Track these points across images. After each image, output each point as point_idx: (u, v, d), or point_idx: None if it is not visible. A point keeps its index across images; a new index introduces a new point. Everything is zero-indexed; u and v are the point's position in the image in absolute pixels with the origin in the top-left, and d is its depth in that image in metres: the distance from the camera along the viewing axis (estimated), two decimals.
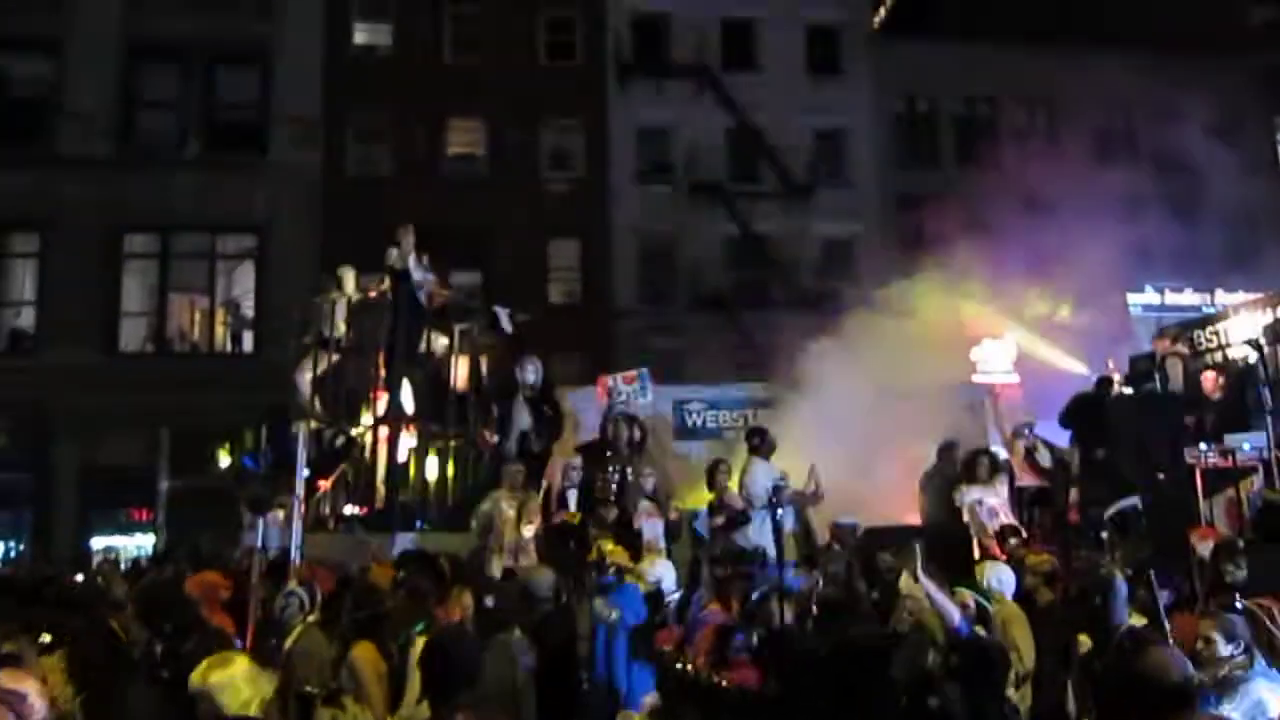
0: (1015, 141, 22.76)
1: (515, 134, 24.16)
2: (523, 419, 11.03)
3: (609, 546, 7.28)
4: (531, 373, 11.31)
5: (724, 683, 5.23)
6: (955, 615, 5.73)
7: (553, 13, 25.15)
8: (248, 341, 22.96)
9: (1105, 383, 11.74)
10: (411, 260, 12.07)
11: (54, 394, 20.04)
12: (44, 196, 21.61)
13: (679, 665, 5.53)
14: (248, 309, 23.10)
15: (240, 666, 4.06)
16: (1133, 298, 16.88)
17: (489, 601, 6.74)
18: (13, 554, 19.76)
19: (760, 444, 10.76)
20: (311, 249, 22.52)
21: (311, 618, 6.21)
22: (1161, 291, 17.15)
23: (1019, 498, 11.08)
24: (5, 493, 20.52)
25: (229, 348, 23.10)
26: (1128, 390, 11.73)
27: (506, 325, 12.77)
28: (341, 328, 12.03)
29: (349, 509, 11.49)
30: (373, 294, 12.28)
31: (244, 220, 22.82)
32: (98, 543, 19.86)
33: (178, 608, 6.10)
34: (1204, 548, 8.34)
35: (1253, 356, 11.85)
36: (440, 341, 12.26)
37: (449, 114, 24.30)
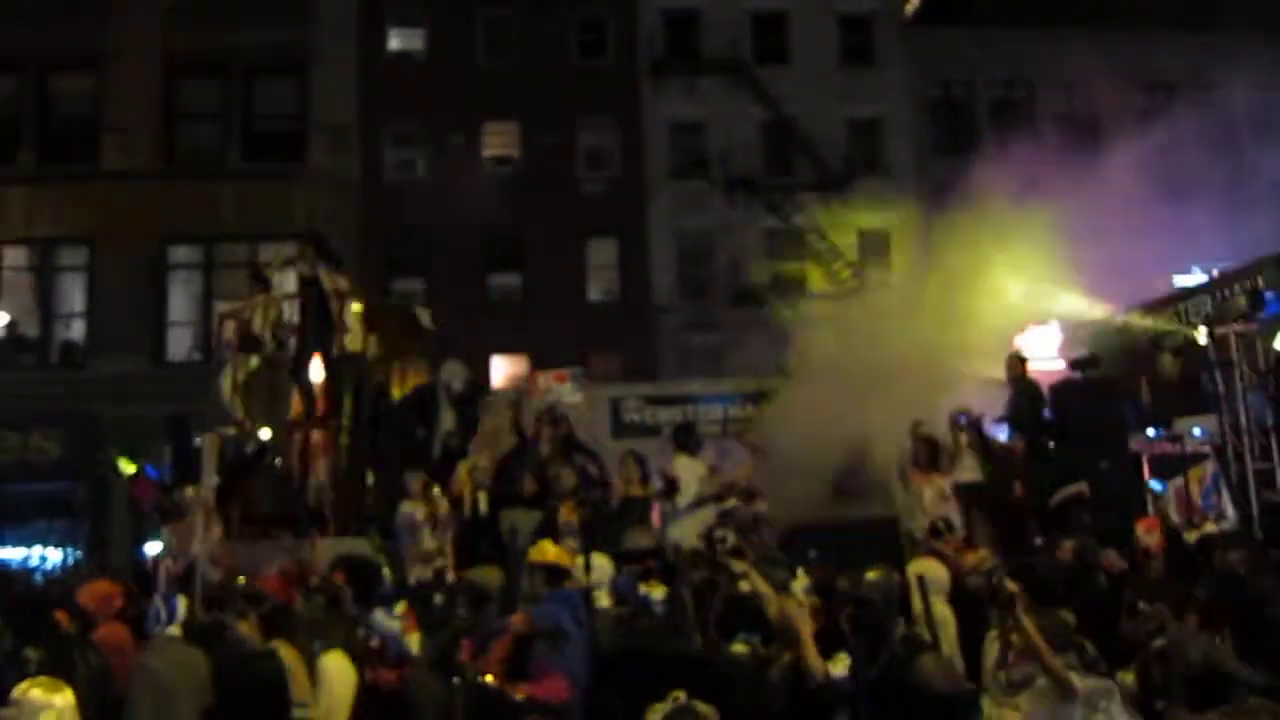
0: (1054, 125, 22.46)
1: (550, 135, 24.24)
2: (446, 421, 11.00)
3: (553, 549, 6.93)
4: (457, 379, 11.30)
5: (518, 695, 5.06)
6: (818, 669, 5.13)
7: (584, 12, 25.19)
8: (291, 348, 23.15)
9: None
10: (320, 267, 11.86)
11: (104, 404, 20.40)
12: (91, 210, 22.04)
13: (473, 676, 5.34)
14: (289, 315, 23.30)
15: (64, 699, 4.07)
16: (1179, 280, 16.60)
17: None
18: (69, 562, 20.13)
19: (687, 441, 10.76)
20: (351, 255, 22.74)
21: (172, 630, 6.15)
22: (1209, 273, 16.84)
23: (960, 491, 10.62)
24: (60, 502, 20.91)
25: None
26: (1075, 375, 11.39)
27: (426, 324, 12.66)
28: (263, 328, 11.80)
29: (263, 515, 11.08)
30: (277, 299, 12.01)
31: (285, 228, 23.05)
32: (151, 549, 20.14)
33: (41, 618, 5.83)
34: (1149, 539, 8.06)
35: (1203, 337, 11.55)
36: (354, 345, 11.89)
37: (484, 117, 24.43)
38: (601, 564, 6.98)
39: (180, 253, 23.37)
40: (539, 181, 23.86)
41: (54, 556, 19.94)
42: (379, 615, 5.91)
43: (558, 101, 24.00)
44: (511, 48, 24.65)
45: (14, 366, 21.92)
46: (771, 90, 24.81)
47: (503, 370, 22.89)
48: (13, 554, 19.32)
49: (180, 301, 23.02)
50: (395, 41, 24.98)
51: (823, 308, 20.04)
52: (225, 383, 11.57)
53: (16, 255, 22.95)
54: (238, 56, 23.18)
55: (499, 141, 24.65)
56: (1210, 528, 9.57)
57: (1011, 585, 5.99)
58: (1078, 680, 4.59)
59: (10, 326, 22.42)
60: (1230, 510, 10.14)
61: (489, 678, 5.31)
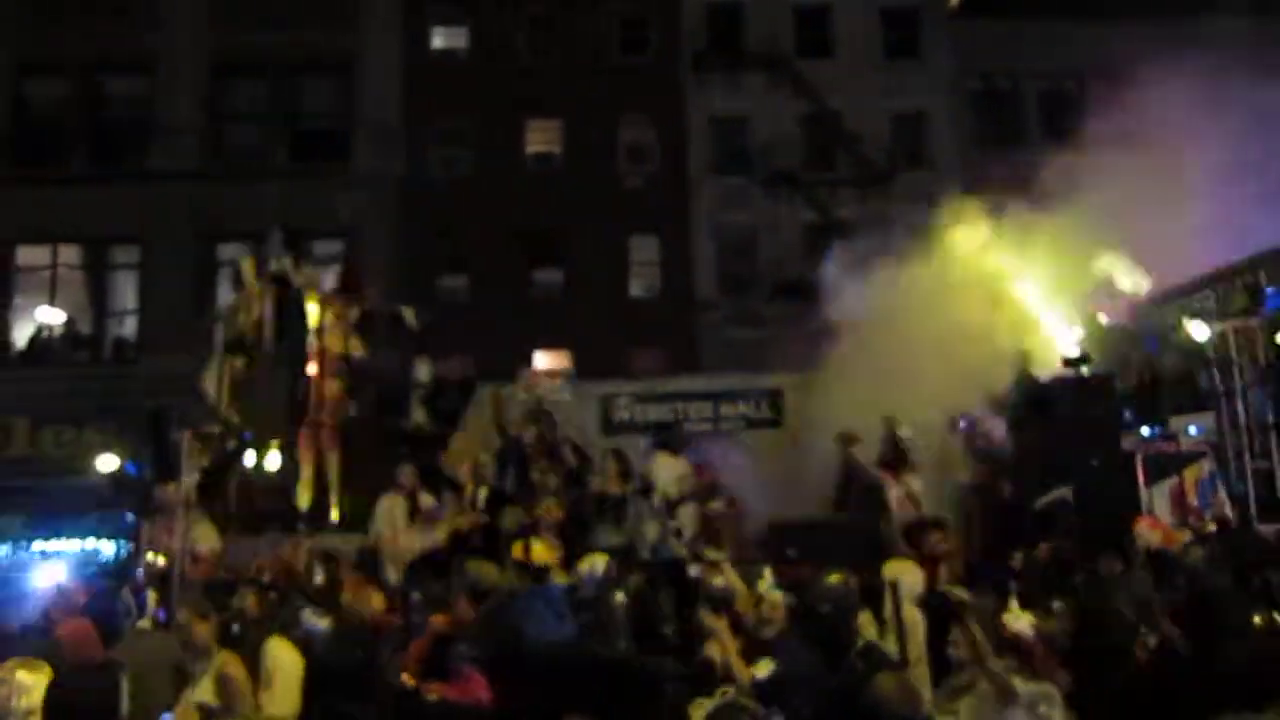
0: (1101, 118, 22.08)
1: (592, 131, 24.30)
2: (416, 415, 11.03)
3: (537, 547, 6.97)
4: (423, 372, 11.28)
5: (432, 695, 5.01)
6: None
7: (625, 8, 25.20)
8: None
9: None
10: (288, 263, 11.81)
11: (156, 399, 20.71)
12: (141, 210, 22.43)
13: (390, 678, 5.31)
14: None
15: (45, 678, 4.15)
16: None
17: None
18: (121, 555, 20.49)
19: (668, 439, 10.80)
20: (396, 252, 23.00)
21: (143, 623, 6.23)
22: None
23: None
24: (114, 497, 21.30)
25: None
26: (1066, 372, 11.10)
27: (412, 322, 12.68)
28: (246, 325, 11.87)
29: (249, 512, 11.21)
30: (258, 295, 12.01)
31: (330, 226, 23.36)
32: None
33: None
34: (1151, 537, 7.87)
35: (1202, 334, 11.30)
36: (332, 343, 11.99)
37: (526, 114, 24.52)
38: (601, 563, 6.93)
39: (228, 250, 23.66)
40: (581, 178, 23.92)
41: (107, 550, 20.31)
42: (307, 613, 5.93)
43: (599, 98, 24.05)
44: (553, 45, 24.73)
45: (69, 363, 22.38)
46: (813, 84, 24.68)
47: (544, 367, 23.02)
48: (68, 546, 19.70)
49: (229, 299, 23.33)
50: (438, 40, 25.14)
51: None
52: (210, 380, 11.64)
53: (70, 253, 23.42)
54: (283, 57, 23.47)
55: (541, 138, 24.73)
56: (1210, 528, 9.38)
57: (960, 593, 5.96)
58: (1019, 684, 4.53)
59: (67, 324, 22.92)
60: (1228, 511, 9.93)
61: (406, 678, 5.27)
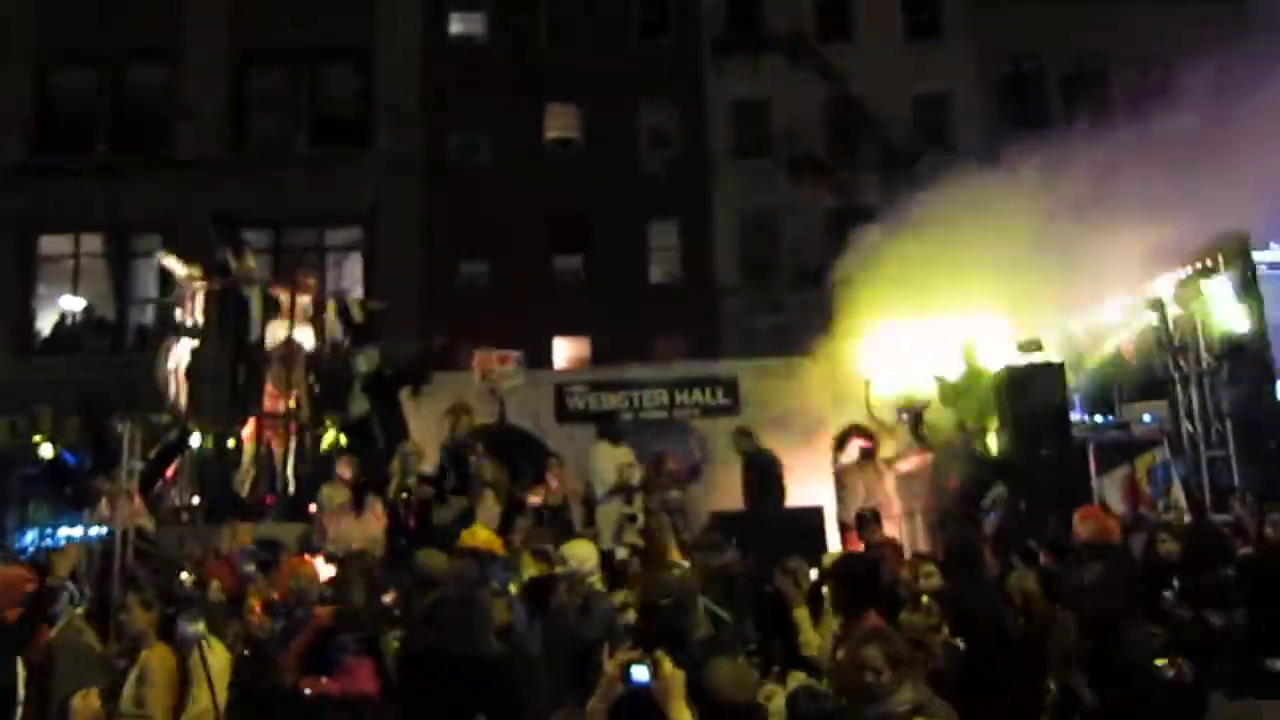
0: (1128, 99, 21.84)
1: (612, 116, 24.19)
2: (358, 405, 10.96)
3: (480, 533, 6.88)
4: (364, 362, 11.20)
5: (309, 689, 4.93)
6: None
7: None
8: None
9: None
10: (229, 252, 11.75)
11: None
12: (164, 198, 22.50)
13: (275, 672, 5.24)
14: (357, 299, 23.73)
15: None
16: (1259, 256, 16.05)
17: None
18: None
19: (609, 429, 10.76)
20: (416, 238, 23.03)
21: (79, 610, 6.22)
22: None
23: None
24: None
25: (340, 335, 23.71)
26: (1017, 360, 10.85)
27: (356, 315, 12.61)
28: (191, 315, 11.81)
29: (191, 501, 11.21)
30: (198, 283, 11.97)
31: (351, 213, 23.40)
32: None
33: None
34: (1082, 528, 7.41)
35: (1154, 319, 11.06)
36: (276, 333, 11.92)
37: (546, 99, 24.42)
38: (585, 553, 6.81)
39: (250, 237, 23.70)
40: (601, 163, 23.83)
41: None
42: (183, 621, 5.72)
43: (619, 82, 23.93)
44: (572, 29, 24.62)
45: (91, 350, 22.54)
46: (835, 67, 24.46)
47: (565, 352, 23.00)
48: (93, 533, 19.85)
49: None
50: (457, 25, 25.07)
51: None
52: (161, 369, 11.62)
53: (93, 242, 23.57)
54: (303, 44, 23.51)
55: (561, 123, 24.63)
56: (1165, 518, 9.17)
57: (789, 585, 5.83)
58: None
59: (88, 311, 23.07)
60: (1183, 500, 9.73)
61: (287, 672, 5.21)
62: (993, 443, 10.73)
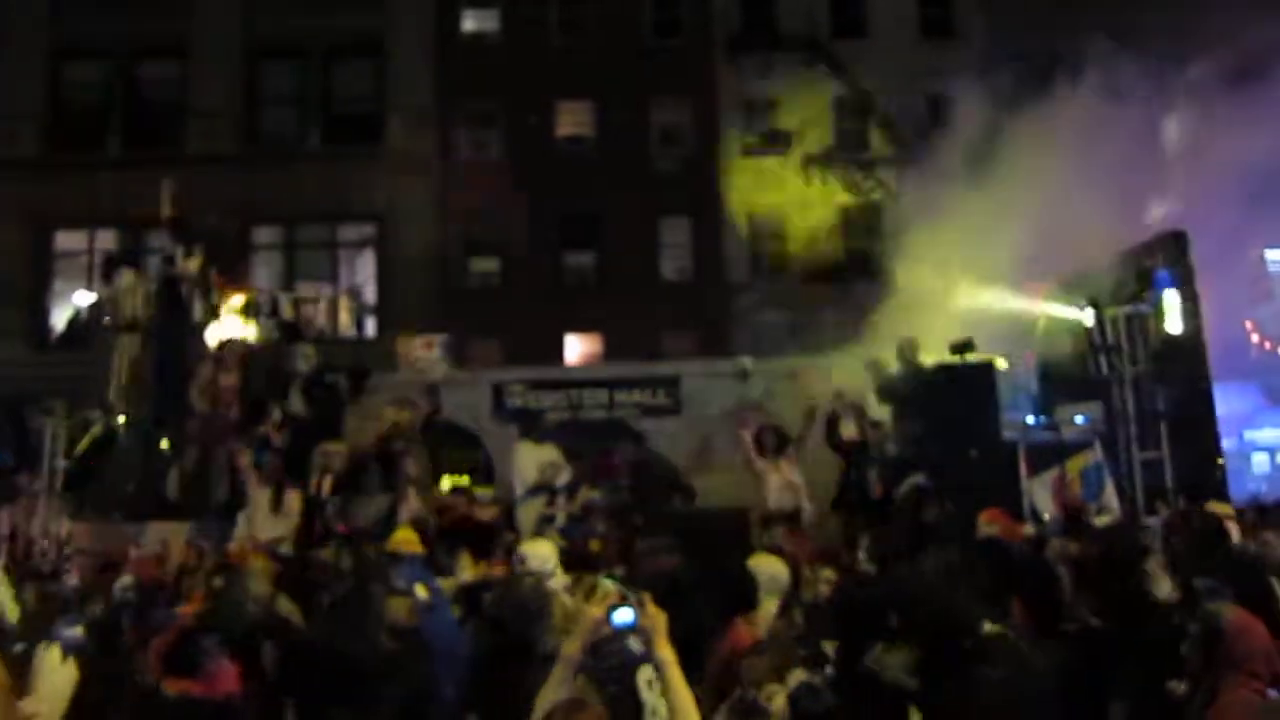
0: (1139, 95, 21.64)
1: (624, 113, 24.18)
2: (294, 403, 10.84)
3: (399, 533, 6.81)
4: (301, 360, 11.13)
5: (171, 690, 4.82)
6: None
7: None
8: (370, 327, 23.69)
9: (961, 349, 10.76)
10: (178, 251, 11.63)
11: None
12: (177, 193, 22.53)
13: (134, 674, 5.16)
14: (369, 295, 23.82)
15: None
16: (1272, 254, 15.97)
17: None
18: None
19: (529, 428, 10.70)
20: (428, 235, 23.08)
21: None
22: None
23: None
24: None
25: (353, 333, 23.83)
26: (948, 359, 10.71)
27: (287, 312, 12.50)
28: (132, 311, 11.67)
29: (115, 499, 10.95)
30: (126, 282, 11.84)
31: (364, 209, 23.46)
32: None
33: None
34: (988, 529, 7.37)
35: (1089, 318, 10.94)
36: (215, 331, 11.77)
37: (558, 96, 24.45)
38: (546, 552, 6.70)
39: (263, 233, 23.90)
40: (613, 160, 23.83)
41: None
42: (60, 622, 5.56)
43: (632, 80, 23.92)
44: (585, 27, 24.62)
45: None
46: (848, 65, 24.41)
47: (576, 349, 23.02)
48: None
49: (263, 281, 23.46)
50: (470, 23, 25.09)
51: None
52: (104, 365, 11.53)
53: (106, 237, 23.65)
54: (316, 41, 23.58)
55: (573, 121, 24.65)
56: (1103, 520, 8.97)
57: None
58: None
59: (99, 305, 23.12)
60: (1115, 503, 9.58)
61: (150, 673, 5.11)
62: (903, 443, 10.65)
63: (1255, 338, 16.24)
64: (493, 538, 8.58)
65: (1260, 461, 20.65)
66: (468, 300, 22.78)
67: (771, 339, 21.65)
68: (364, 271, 24.07)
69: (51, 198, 22.47)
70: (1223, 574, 5.20)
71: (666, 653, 3.23)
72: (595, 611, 3.30)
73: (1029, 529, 8.51)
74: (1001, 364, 10.95)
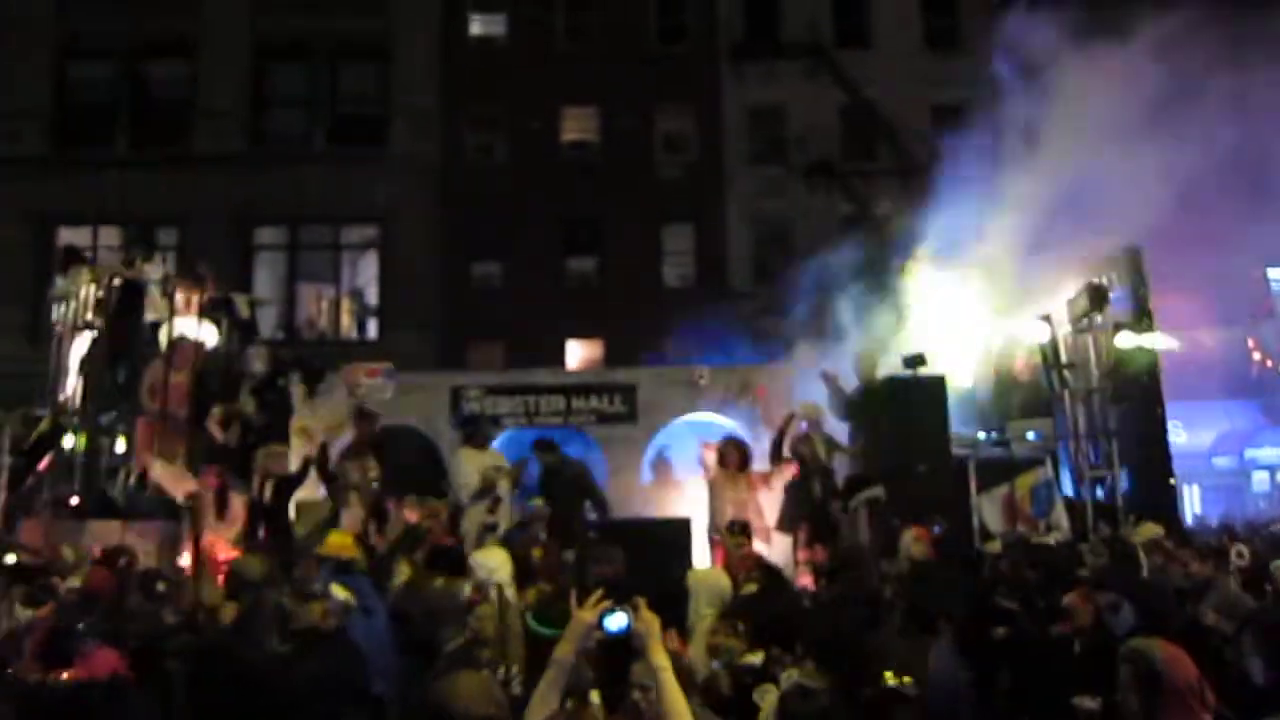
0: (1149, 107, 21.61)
1: (628, 120, 24.23)
2: (246, 405, 10.79)
3: (334, 538, 6.80)
4: (258, 362, 11.08)
5: (61, 679, 4.86)
6: None
7: None
8: (372, 329, 23.71)
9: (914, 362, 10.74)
10: (138, 252, 11.66)
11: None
12: (182, 192, 22.62)
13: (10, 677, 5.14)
14: (371, 297, 23.83)
15: None
16: (1274, 272, 15.99)
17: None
18: None
19: (472, 434, 10.67)
20: (431, 237, 23.11)
21: None
22: None
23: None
24: None
25: (354, 335, 23.86)
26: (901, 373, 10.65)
27: (243, 312, 12.46)
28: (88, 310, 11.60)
29: (67, 498, 10.70)
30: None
31: (367, 211, 23.49)
32: None
33: None
34: (916, 549, 7.39)
35: (1044, 334, 10.94)
36: (169, 331, 11.69)
37: (563, 102, 24.50)
38: (497, 561, 6.69)
39: (266, 234, 23.93)
40: (617, 166, 23.88)
41: None
42: None
43: (636, 87, 23.98)
44: (590, 33, 24.68)
45: None
46: (852, 74, 24.46)
47: (577, 354, 23.03)
48: None
49: (266, 282, 23.56)
50: (476, 27, 25.17)
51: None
52: (59, 362, 11.45)
53: (111, 235, 23.67)
54: (323, 42, 23.63)
55: (577, 126, 24.71)
56: (1054, 538, 9.00)
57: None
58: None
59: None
60: (1065, 521, 9.57)
61: (32, 673, 5.12)
62: (857, 458, 10.63)
63: (1257, 355, 16.27)
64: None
65: (1260, 480, 20.65)
66: (470, 304, 22.82)
67: (773, 346, 21.65)
68: (366, 273, 24.10)
69: (57, 194, 22.50)
70: (1125, 592, 5.37)
71: (661, 658, 3.19)
72: (587, 616, 3.26)
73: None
74: (956, 378, 10.95)
